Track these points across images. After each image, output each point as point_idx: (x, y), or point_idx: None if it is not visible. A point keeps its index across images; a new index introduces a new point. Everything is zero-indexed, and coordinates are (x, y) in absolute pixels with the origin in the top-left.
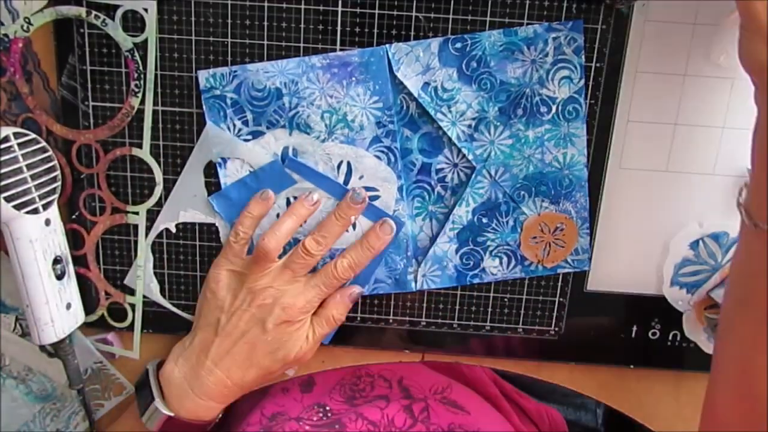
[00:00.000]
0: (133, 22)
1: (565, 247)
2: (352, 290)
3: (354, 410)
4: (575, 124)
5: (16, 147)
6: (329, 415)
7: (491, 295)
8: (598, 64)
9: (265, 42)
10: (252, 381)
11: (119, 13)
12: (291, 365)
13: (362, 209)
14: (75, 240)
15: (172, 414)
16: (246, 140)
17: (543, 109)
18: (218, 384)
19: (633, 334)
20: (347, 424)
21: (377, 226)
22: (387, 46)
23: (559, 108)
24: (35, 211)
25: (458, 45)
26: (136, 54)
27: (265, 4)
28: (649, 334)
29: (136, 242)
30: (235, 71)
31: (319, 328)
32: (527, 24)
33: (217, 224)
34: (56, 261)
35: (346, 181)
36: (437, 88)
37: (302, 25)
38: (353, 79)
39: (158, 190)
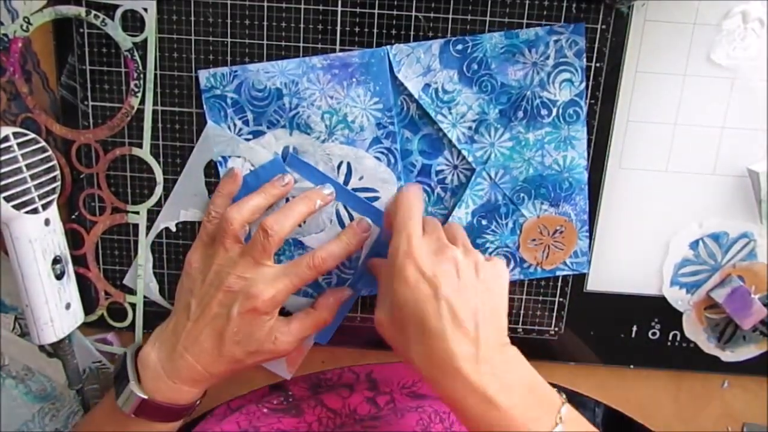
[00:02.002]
0: (133, 21)
1: (564, 250)
2: (343, 293)
3: (315, 397)
4: (575, 127)
5: (15, 147)
6: (290, 399)
7: None
8: (597, 64)
9: (265, 42)
10: (223, 370)
11: (119, 12)
12: (267, 358)
13: (330, 199)
14: (74, 240)
15: (146, 397)
16: (246, 140)
17: (543, 111)
18: (189, 369)
19: (633, 334)
20: (305, 410)
21: (355, 223)
22: (388, 47)
23: (560, 111)
24: (35, 211)
25: (459, 47)
26: (136, 54)
27: (265, 4)
28: (649, 334)
29: (135, 242)
30: (235, 71)
31: (303, 330)
32: (527, 24)
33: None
34: (56, 261)
35: (346, 182)
36: (438, 89)
37: (302, 25)
38: (354, 80)
39: (158, 189)
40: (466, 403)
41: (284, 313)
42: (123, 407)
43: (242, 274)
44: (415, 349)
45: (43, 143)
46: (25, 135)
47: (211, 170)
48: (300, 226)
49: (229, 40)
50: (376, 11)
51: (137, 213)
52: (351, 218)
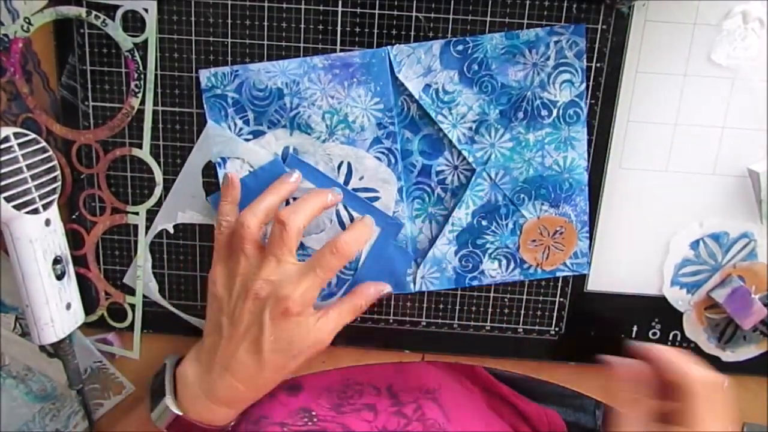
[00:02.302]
0: (133, 22)
1: (564, 251)
2: (384, 286)
3: (341, 420)
4: (576, 127)
5: (16, 147)
6: (315, 420)
7: (491, 295)
8: (598, 65)
9: (265, 42)
10: (267, 383)
11: (119, 13)
12: (311, 354)
13: (339, 197)
14: (75, 240)
15: (181, 413)
16: (247, 140)
17: (544, 112)
18: (229, 389)
19: (633, 334)
20: None
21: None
22: (388, 47)
23: (560, 111)
24: (35, 211)
25: (460, 47)
26: (136, 54)
27: (265, 4)
28: (649, 334)
29: (136, 242)
30: (236, 71)
31: (341, 316)
32: (528, 24)
33: (215, 225)
34: (56, 261)
35: (347, 182)
36: (438, 90)
37: (302, 25)
38: (354, 80)
39: (158, 190)
40: None
41: None
42: (157, 421)
43: (268, 277)
44: None
45: (43, 143)
46: (26, 135)
47: (210, 171)
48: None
49: (229, 40)
50: (376, 11)
51: (137, 213)
52: (351, 219)
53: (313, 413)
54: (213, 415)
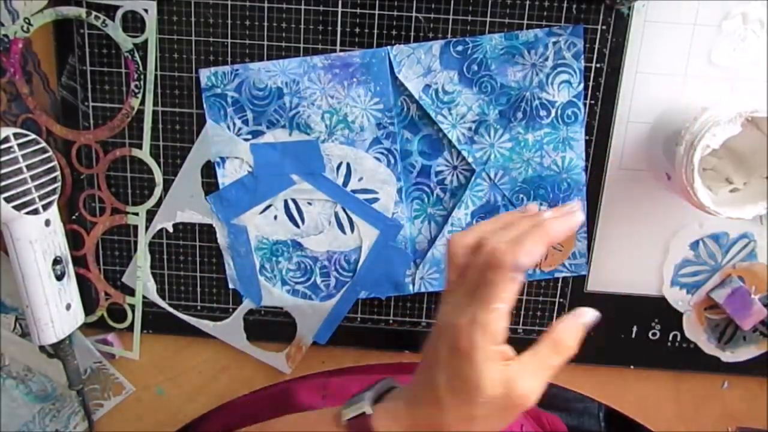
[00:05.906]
0: (133, 22)
1: (562, 252)
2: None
3: None
4: (574, 128)
5: (16, 147)
6: None
7: None
8: (598, 65)
9: (265, 42)
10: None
11: (119, 13)
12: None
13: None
14: (75, 240)
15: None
16: (246, 139)
17: (542, 112)
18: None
19: (633, 334)
20: None
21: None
22: (388, 47)
23: (559, 112)
24: (35, 212)
25: (459, 48)
26: (136, 54)
27: (265, 4)
28: (649, 334)
29: (135, 243)
30: (236, 70)
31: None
32: (527, 25)
33: (214, 225)
34: (56, 261)
35: (345, 183)
36: (438, 90)
37: (302, 26)
38: (354, 80)
39: (158, 190)
40: None
41: (283, 314)
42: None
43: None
44: None
45: (43, 144)
46: (26, 136)
47: (209, 171)
48: (299, 227)
49: (229, 40)
50: (376, 12)
51: (137, 214)
52: (350, 220)
53: None
54: None
